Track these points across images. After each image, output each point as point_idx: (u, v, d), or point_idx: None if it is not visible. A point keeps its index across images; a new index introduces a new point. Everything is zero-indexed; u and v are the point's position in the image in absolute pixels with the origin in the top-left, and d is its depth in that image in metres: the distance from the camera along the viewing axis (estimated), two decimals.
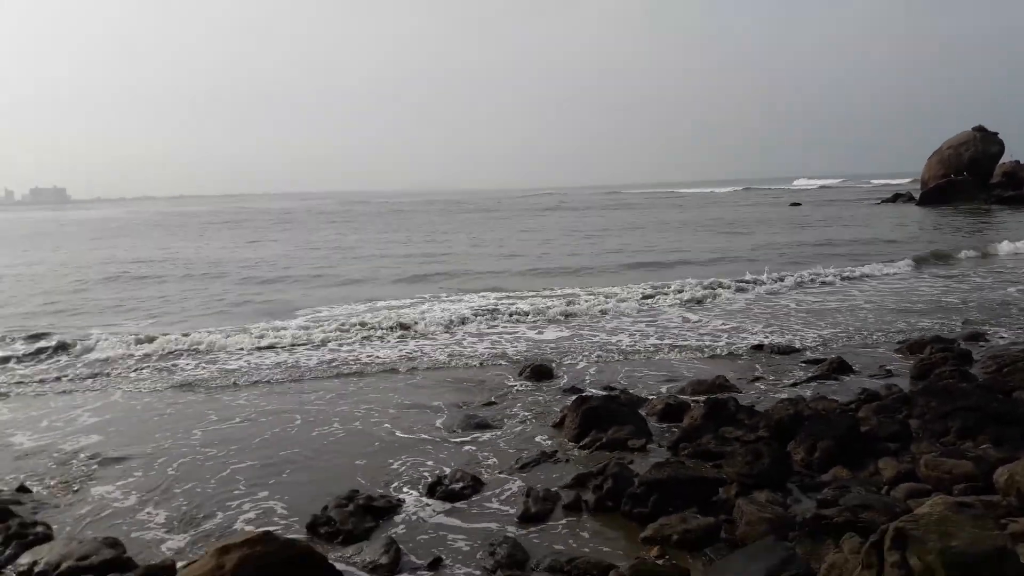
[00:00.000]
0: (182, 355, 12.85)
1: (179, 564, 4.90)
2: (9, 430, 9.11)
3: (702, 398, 8.79)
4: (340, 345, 13.44)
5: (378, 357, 12.52)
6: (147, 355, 12.84)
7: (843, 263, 22.70)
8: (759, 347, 12.32)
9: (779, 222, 46.40)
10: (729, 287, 18.25)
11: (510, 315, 15.57)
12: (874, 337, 12.96)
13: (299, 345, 13.39)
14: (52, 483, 7.33)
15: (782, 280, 19.24)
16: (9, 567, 5.54)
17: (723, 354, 12.13)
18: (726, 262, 24.16)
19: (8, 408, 10.14)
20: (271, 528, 5.76)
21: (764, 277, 19.49)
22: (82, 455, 8.14)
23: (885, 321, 14.34)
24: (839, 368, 10.43)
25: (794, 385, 10.02)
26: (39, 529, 5.99)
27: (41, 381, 11.51)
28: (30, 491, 6.98)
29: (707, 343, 12.95)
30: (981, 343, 11.99)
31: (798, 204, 66.60)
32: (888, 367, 10.72)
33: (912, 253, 24.85)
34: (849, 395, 9.07)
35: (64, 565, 5.22)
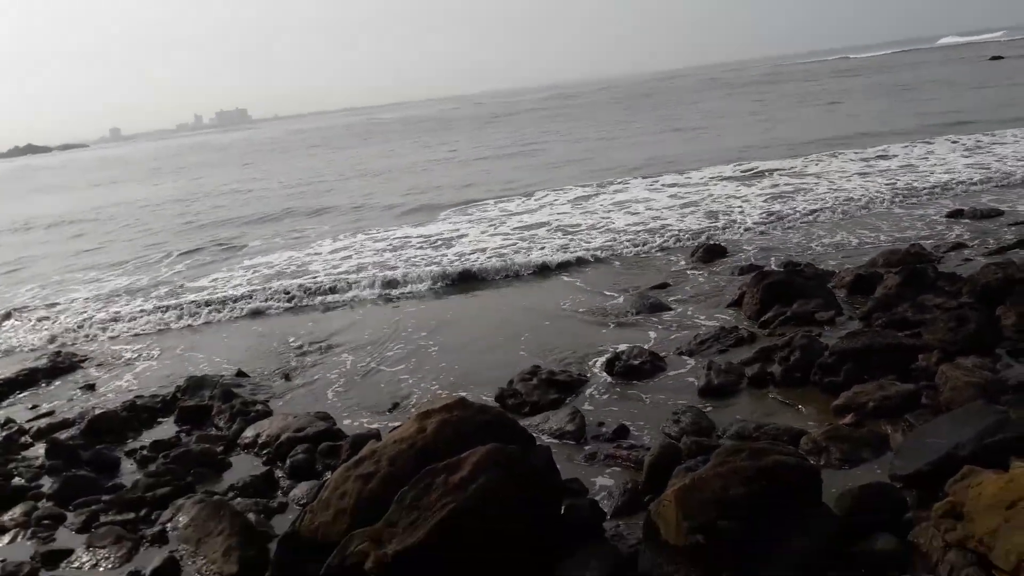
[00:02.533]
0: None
1: (383, 430, 5.32)
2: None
3: (896, 269, 8.19)
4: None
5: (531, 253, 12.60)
6: None
7: None
8: (957, 212, 11.26)
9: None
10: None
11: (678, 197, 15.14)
12: None
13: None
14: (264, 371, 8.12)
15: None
16: (237, 440, 6.23)
17: (915, 223, 11.22)
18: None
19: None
20: None
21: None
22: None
23: None
24: None
25: (1001, 250, 9.11)
26: (258, 407, 6.67)
27: None
28: (248, 375, 7.76)
29: (897, 211, 12.01)
30: None
31: (1000, 57, 59.10)
32: None
33: None
34: None
35: (283, 436, 5.81)
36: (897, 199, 12.98)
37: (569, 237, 13.13)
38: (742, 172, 17.79)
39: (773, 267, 9.29)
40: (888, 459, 4.71)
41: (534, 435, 5.42)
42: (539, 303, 9.60)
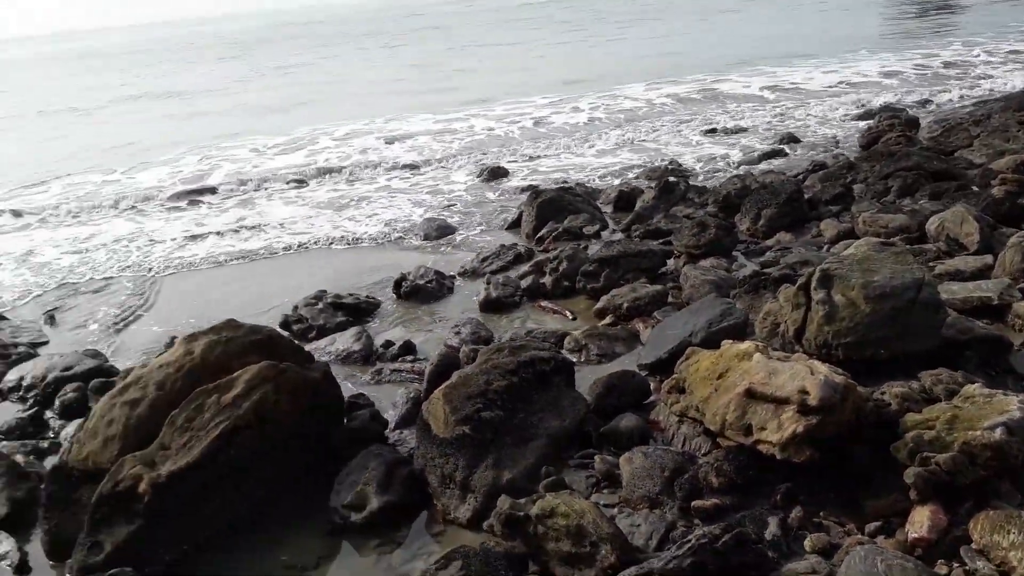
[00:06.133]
0: None
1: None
2: None
3: (655, 182, 8.97)
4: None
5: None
6: None
7: None
8: (712, 131, 12.43)
9: None
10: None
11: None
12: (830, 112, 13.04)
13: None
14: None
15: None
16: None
17: (676, 142, 12.23)
18: None
19: None
20: None
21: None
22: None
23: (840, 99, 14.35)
24: (789, 141, 10.61)
25: (745, 164, 10.22)
26: (21, 349, 6.23)
27: None
28: (6, 318, 7.17)
29: (660, 132, 13.00)
30: (931, 107, 12.15)
31: None
32: (838, 138, 10.92)
33: None
34: (798, 168, 9.30)
35: (50, 376, 5.50)
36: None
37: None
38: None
39: (548, 187, 9.81)
40: (639, 352, 5.33)
41: (320, 357, 5.57)
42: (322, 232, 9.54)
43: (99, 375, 5.50)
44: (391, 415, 4.81)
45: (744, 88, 16.43)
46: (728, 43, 25.75)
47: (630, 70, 20.51)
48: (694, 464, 3.76)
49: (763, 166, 9.82)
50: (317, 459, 4.12)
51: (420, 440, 3.97)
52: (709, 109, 14.60)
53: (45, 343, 6.67)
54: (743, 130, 12.31)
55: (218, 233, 9.60)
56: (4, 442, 4.88)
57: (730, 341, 4.05)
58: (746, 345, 3.87)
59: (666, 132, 12.95)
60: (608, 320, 5.84)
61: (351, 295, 6.91)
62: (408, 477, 3.86)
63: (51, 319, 7.28)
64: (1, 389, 5.74)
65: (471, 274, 7.42)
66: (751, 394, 3.53)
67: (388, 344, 5.96)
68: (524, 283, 6.77)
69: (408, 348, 5.88)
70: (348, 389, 5.18)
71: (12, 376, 5.76)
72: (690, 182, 8.78)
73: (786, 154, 10.32)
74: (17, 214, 11.40)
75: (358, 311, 6.67)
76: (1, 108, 28.67)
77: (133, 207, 11.29)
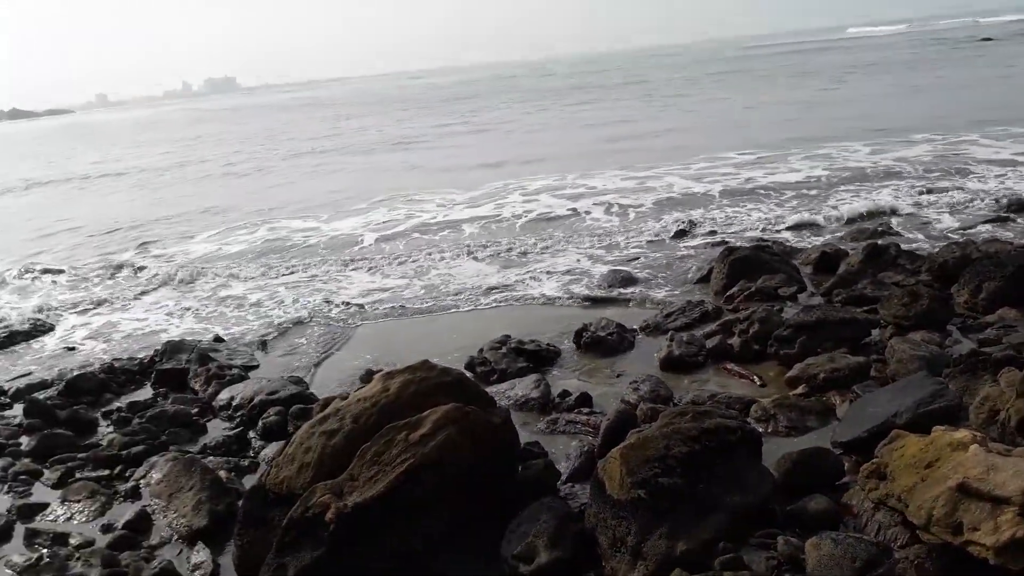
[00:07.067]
0: None
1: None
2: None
3: (861, 244, 8.42)
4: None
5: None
6: None
7: None
8: (929, 191, 11.51)
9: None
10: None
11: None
12: None
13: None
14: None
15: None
16: (212, 403, 6.40)
17: (892, 201, 11.41)
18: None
19: None
20: None
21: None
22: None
23: None
24: (1018, 209, 9.61)
25: (965, 229, 9.36)
26: (234, 371, 6.83)
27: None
28: (224, 340, 7.91)
29: (877, 191, 12.21)
30: None
31: (989, 39, 59.01)
32: None
33: None
34: None
35: (257, 399, 5.99)
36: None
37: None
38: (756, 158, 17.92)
39: (742, 244, 9.47)
40: (833, 428, 4.95)
41: (500, 401, 5.65)
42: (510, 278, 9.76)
43: (299, 401, 5.91)
44: (563, 467, 4.77)
45: (994, 153, 14.64)
46: (966, 100, 23.68)
47: (848, 128, 19.33)
48: (889, 557, 3.42)
49: (985, 233, 8.93)
50: (491, 504, 4.15)
51: (593, 498, 3.89)
52: (942, 174, 13.25)
53: (256, 367, 7.28)
54: (972, 195, 11.21)
55: (399, 284, 9.96)
56: (211, 457, 5.33)
57: (942, 427, 3.66)
58: (962, 434, 3.48)
59: (884, 194, 12.02)
60: (801, 390, 5.49)
61: (533, 341, 6.98)
62: (578, 535, 3.79)
63: (263, 345, 7.95)
64: (214, 406, 6.32)
65: (654, 329, 7.26)
66: (965, 489, 3.16)
67: (565, 394, 5.95)
68: (709, 343, 6.54)
69: (585, 400, 5.83)
70: (522, 436, 5.18)
71: (224, 395, 6.33)
72: (901, 247, 8.13)
73: (1015, 222, 9.33)
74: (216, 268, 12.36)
75: (539, 358, 6.72)
76: (247, 152, 32.23)
77: (327, 254, 12.04)
